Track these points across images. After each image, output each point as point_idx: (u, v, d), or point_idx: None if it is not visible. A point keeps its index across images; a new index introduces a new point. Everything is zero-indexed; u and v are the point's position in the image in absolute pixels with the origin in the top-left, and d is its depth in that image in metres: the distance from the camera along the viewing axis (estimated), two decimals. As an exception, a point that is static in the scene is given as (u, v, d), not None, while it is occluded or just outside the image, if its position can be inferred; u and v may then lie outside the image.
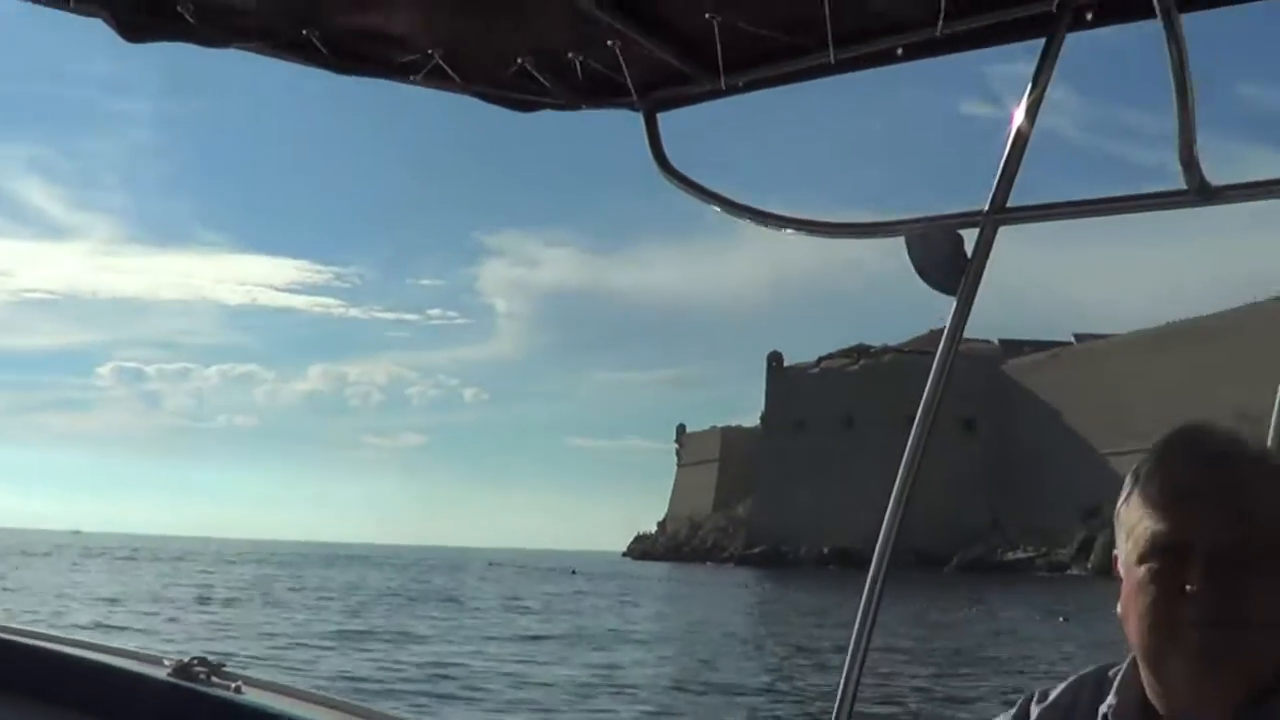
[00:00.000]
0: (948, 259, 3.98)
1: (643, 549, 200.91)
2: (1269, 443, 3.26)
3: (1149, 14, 3.30)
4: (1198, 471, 2.18)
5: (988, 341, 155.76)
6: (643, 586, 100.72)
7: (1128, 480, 2.28)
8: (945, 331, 3.98)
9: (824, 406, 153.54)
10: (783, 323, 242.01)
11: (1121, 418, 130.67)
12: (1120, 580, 2.28)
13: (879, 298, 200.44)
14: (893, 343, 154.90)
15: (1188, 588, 2.13)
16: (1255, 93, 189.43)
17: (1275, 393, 3.33)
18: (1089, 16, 3.83)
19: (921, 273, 4.01)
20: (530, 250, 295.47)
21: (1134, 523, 2.22)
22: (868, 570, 3.87)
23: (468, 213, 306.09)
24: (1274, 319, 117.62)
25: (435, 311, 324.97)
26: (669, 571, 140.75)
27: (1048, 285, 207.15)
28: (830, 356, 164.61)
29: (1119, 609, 2.26)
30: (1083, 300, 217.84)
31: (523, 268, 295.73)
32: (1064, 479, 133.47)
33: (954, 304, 3.94)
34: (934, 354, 3.96)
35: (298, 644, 38.93)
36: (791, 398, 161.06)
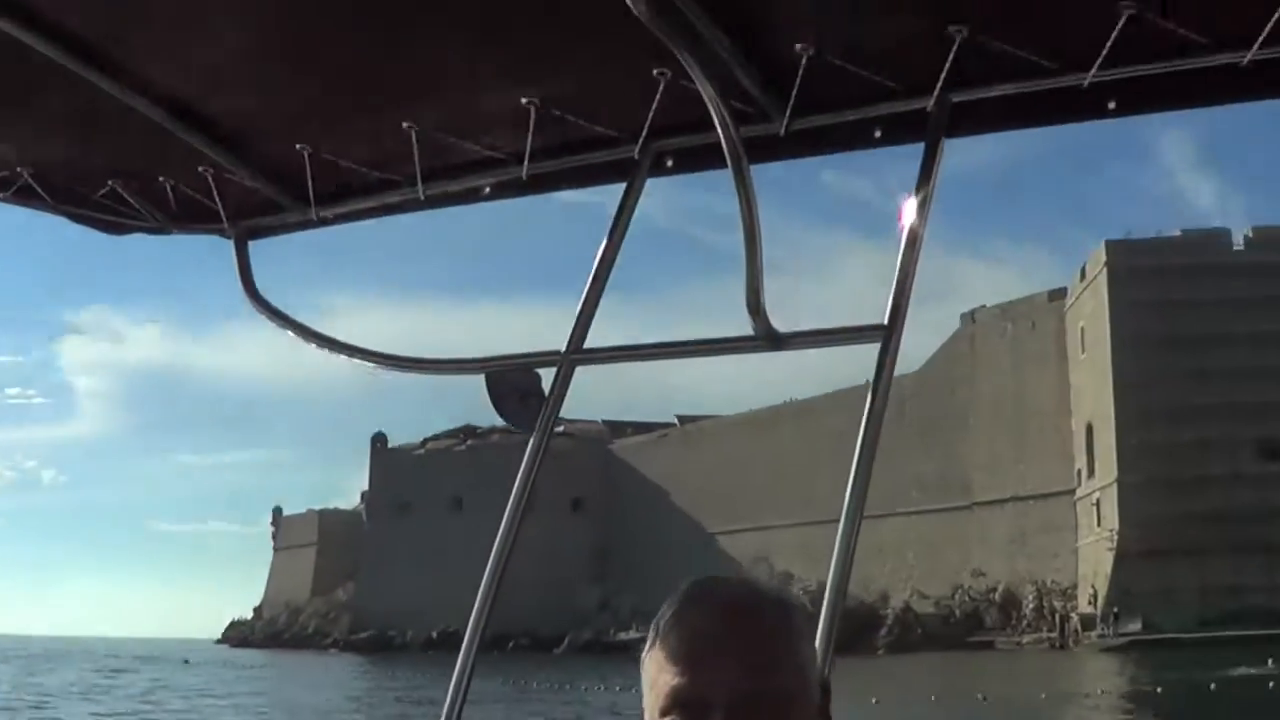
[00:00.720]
0: (526, 397, 4.05)
1: (240, 636, 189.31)
2: (845, 506, 3.40)
3: (723, 164, 3.41)
4: (715, 624, 2.13)
5: (594, 422, 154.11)
6: (250, 676, 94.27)
7: (650, 631, 2.20)
8: (523, 465, 3.97)
9: (431, 488, 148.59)
10: (386, 404, 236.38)
11: (728, 498, 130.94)
12: None
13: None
14: (501, 423, 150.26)
15: None
16: (834, 179, 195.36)
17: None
18: (669, 163, 3.99)
19: (500, 410, 4.09)
20: (116, 327, 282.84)
21: (655, 676, 2.14)
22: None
23: (50, 287, 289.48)
24: (865, 398, 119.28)
25: (14, 390, 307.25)
26: (273, 659, 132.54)
27: (648, 366, 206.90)
28: (436, 437, 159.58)
29: None
30: (682, 383, 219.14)
31: (107, 345, 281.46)
32: (673, 558, 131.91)
33: (531, 441, 3.98)
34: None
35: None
36: (396, 479, 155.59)
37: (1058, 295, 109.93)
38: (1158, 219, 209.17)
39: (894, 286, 3.55)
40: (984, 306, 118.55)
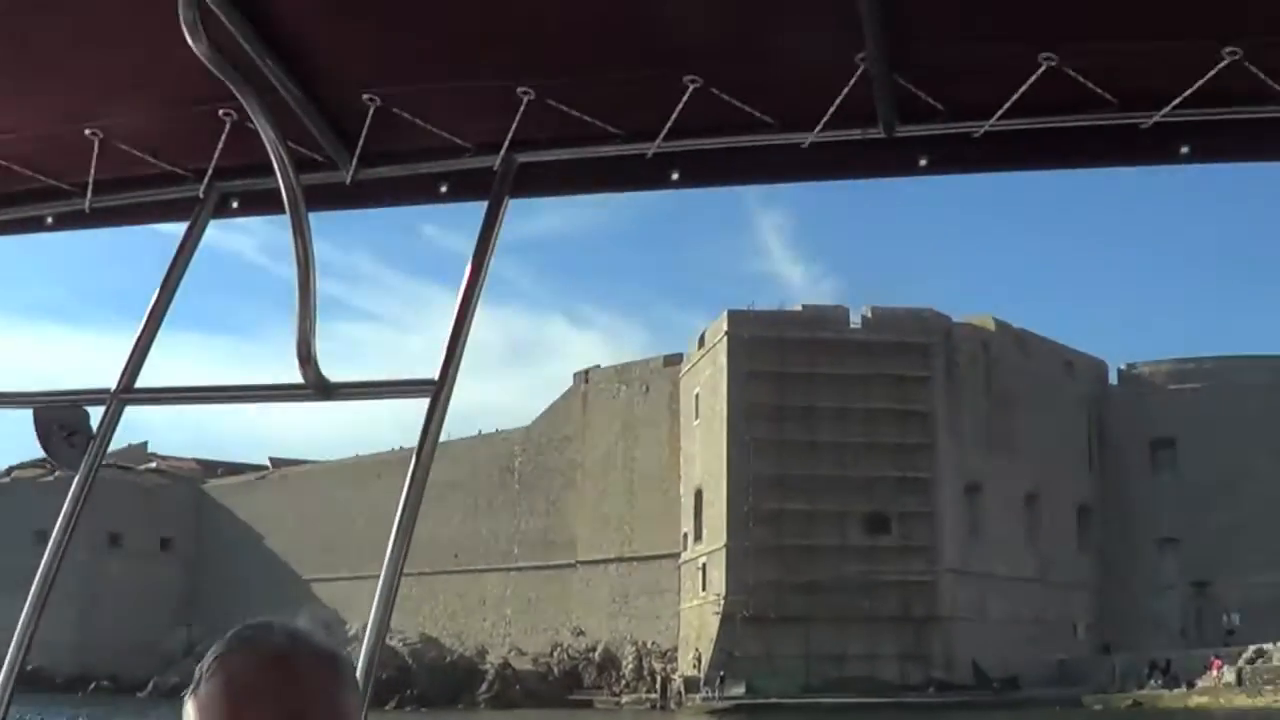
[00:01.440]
0: (72, 435, 3.85)
1: None
2: (388, 554, 3.36)
3: (282, 209, 3.39)
4: (255, 673, 2.10)
5: (187, 460, 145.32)
6: None
7: (196, 672, 2.17)
8: (66, 504, 3.70)
9: (13, 519, 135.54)
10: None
11: (327, 545, 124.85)
12: None
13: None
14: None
15: None
16: (435, 232, 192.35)
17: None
18: (234, 205, 3.90)
19: (46, 447, 3.88)
20: None
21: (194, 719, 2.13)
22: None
23: None
24: (472, 451, 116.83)
25: None
26: None
27: (243, 409, 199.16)
28: (22, 466, 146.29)
29: None
30: (275, 424, 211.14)
31: None
32: (265, 604, 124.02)
33: (76, 478, 3.75)
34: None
35: None
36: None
37: (673, 360, 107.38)
38: (750, 297, 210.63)
39: (447, 342, 3.46)
40: (598, 366, 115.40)
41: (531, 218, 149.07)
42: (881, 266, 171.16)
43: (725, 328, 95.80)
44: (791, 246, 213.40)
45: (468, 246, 3.70)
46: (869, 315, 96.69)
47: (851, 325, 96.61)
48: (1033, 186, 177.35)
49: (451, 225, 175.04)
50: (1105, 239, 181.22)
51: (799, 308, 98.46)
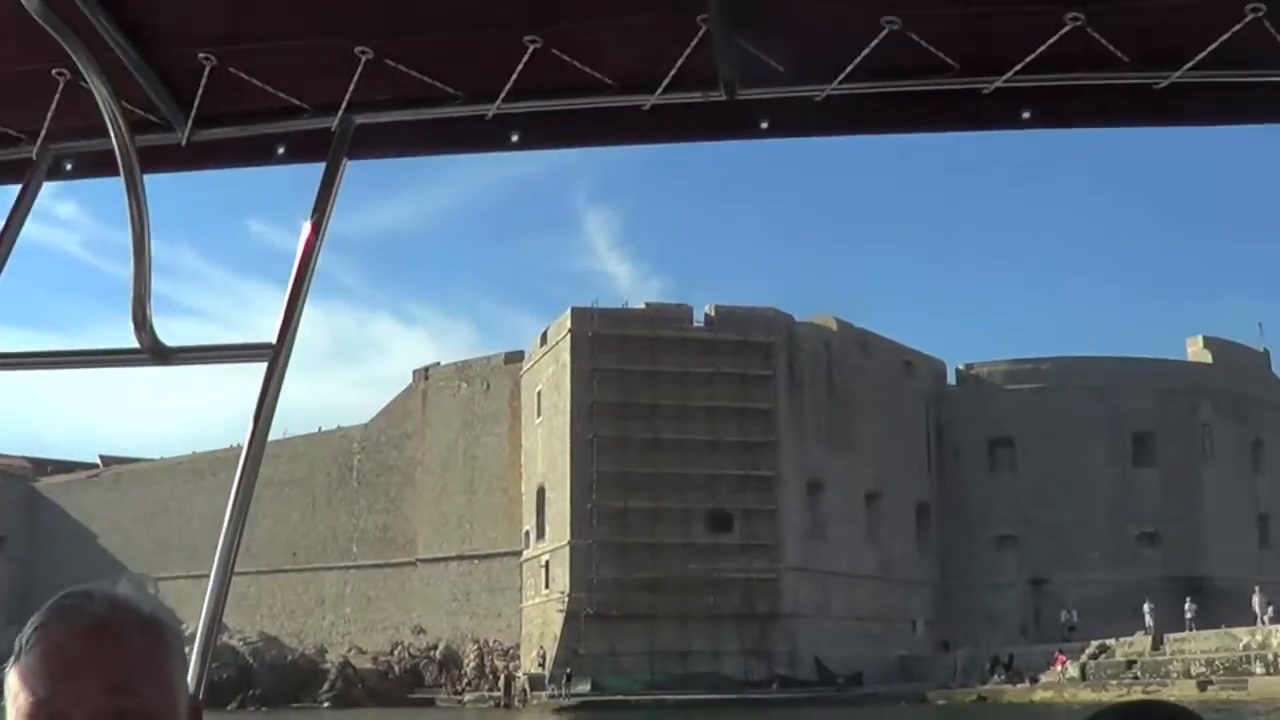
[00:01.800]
0: None
1: None
2: (225, 526, 3.03)
3: (117, 172, 3.27)
4: (76, 642, 1.99)
5: (17, 457, 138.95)
6: None
7: (16, 644, 2.04)
8: None
9: None
10: None
11: (163, 544, 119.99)
12: None
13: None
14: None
15: None
16: (261, 229, 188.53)
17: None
18: (68, 168, 3.71)
19: None
20: None
21: (16, 691, 2.01)
22: None
23: None
24: (311, 448, 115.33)
25: None
26: None
27: (70, 406, 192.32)
28: None
29: None
30: (105, 423, 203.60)
31: None
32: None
33: None
34: None
35: None
36: None
37: (514, 358, 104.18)
38: (578, 295, 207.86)
39: (284, 305, 3.27)
40: (438, 364, 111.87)
41: (357, 213, 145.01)
42: (711, 267, 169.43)
43: (569, 325, 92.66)
44: (619, 245, 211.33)
45: (294, 243, 3.31)
46: (712, 314, 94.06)
47: (694, 324, 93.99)
48: (864, 186, 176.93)
49: (277, 221, 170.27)
50: (943, 240, 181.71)
51: (643, 305, 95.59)
